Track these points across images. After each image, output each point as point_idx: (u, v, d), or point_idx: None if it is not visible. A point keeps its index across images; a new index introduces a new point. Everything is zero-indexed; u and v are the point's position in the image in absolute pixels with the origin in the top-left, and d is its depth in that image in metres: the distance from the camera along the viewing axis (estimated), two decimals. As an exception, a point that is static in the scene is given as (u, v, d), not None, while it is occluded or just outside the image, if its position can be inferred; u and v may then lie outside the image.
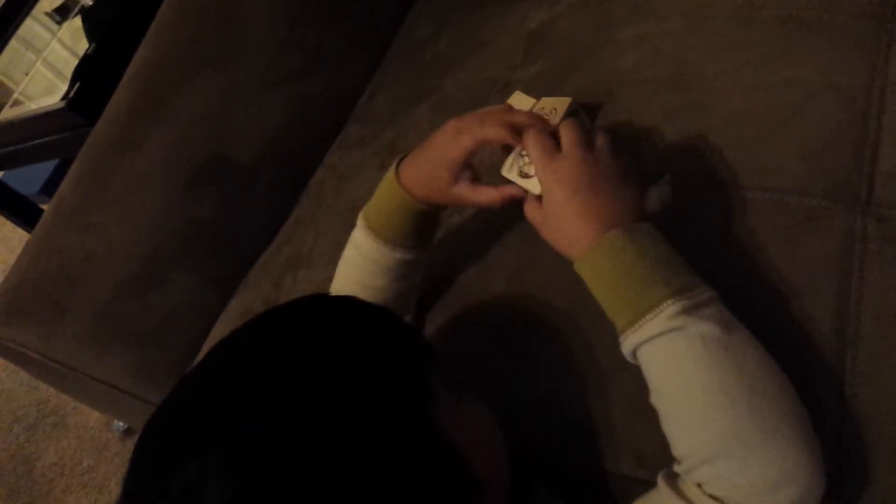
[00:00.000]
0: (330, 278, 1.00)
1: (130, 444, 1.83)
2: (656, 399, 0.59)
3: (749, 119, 0.76)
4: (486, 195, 0.71)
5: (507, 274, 0.84)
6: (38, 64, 1.75)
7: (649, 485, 0.59)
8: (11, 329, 1.07)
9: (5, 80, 1.80)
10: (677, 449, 0.57)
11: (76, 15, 1.74)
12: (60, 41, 1.76)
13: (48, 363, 1.08)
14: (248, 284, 1.15)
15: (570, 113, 0.84)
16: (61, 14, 1.80)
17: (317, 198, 1.17)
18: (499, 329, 0.82)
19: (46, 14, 1.84)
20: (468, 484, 0.57)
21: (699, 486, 0.55)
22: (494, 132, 0.69)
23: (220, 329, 1.11)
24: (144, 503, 0.52)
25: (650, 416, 0.60)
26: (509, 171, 0.71)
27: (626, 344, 0.58)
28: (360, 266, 0.82)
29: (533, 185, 0.68)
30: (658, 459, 0.61)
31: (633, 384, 0.62)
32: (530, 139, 0.66)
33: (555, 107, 0.84)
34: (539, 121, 0.70)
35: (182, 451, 0.51)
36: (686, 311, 0.55)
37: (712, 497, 0.54)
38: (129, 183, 1.17)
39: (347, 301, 0.64)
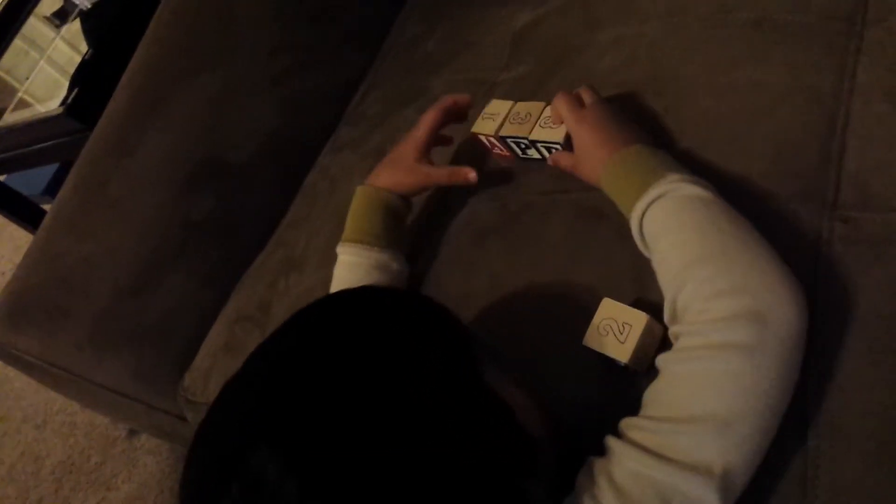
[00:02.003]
0: (321, 281, 1.02)
1: (136, 441, 1.87)
2: (661, 250, 0.67)
3: (719, 121, 0.77)
4: (440, 173, 0.88)
5: (489, 275, 0.86)
6: (41, 62, 1.77)
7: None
8: (13, 335, 1.10)
9: (10, 80, 1.82)
10: (672, 273, 0.64)
11: (74, 18, 1.76)
12: (64, 40, 1.77)
13: (49, 368, 1.11)
14: (242, 287, 1.17)
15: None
16: (60, 18, 1.82)
17: (310, 200, 1.19)
18: (487, 328, 0.84)
19: (46, 17, 1.87)
20: (525, 439, 0.61)
21: (684, 318, 0.62)
22: (446, 105, 0.89)
23: (217, 331, 1.13)
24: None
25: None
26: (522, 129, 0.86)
27: (638, 208, 0.68)
28: (346, 278, 0.89)
29: (554, 135, 0.83)
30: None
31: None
32: (560, 99, 0.81)
33: (529, 111, 0.87)
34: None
35: (240, 446, 0.52)
36: (687, 181, 0.67)
37: (695, 323, 0.60)
38: (127, 187, 1.19)
39: (377, 290, 0.72)
